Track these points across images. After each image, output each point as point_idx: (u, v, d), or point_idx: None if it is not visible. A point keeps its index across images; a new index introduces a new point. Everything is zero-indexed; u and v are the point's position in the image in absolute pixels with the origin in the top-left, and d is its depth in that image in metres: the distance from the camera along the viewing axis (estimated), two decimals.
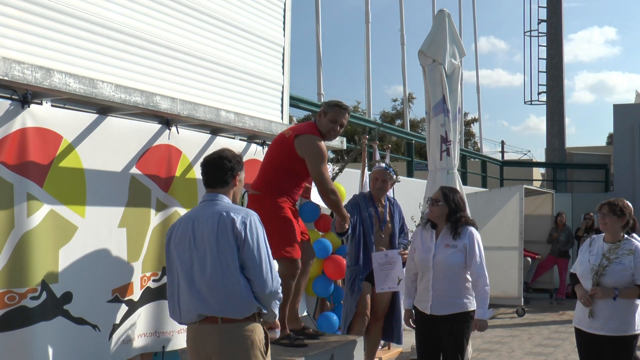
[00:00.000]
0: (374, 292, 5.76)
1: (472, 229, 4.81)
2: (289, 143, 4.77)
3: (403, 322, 5.45)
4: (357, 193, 6.11)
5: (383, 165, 5.99)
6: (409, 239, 5.81)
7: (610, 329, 4.58)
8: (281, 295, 3.60)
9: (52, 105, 4.17)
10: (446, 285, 4.72)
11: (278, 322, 3.81)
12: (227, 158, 3.65)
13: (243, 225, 3.45)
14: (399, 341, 6.06)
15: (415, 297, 4.95)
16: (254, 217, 3.55)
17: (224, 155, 3.66)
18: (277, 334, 3.87)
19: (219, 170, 3.63)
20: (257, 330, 3.48)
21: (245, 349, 3.42)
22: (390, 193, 6.26)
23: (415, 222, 5.57)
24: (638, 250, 4.59)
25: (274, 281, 3.50)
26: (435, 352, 4.83)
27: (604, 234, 4.77)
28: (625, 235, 4.69)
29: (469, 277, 4.77)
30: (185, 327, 4.98)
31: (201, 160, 3.80)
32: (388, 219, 5.87)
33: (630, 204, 4.75)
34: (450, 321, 4.72)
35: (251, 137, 6.01)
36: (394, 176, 5.93)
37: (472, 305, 4.76)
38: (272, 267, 3.53)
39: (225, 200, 3.61)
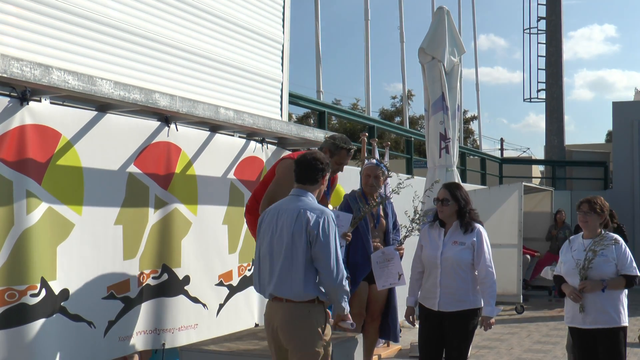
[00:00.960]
0: (371, 291, 5.73)
1: (480, 226, 4.84)
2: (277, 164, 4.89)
3: (403, 318, 5.44)
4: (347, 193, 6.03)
5: (374, 161, 5.94)
6: (402, 235, 5.78)
7: (604, 321, 4.70)
8: (347, 288, 3.97)
9: (50, 103, 4.17)
10: (454, 282, 4.73)
11: (349, 315, 4.12)
12: (320, 160, 4.05)
13: (316, 224, 3.84)
14: (395, 339, 6.05)
15: (420, 294, 4.96)
16: (328, 217, 3.91)
17: (317, 157, 4.06)
18: (349, 325, 4.18)
19: (313, 170, 4.02)
20: (315, 311, 3.92)
21: (304, 325, 3.89)
22: (382, 190, 6.20)
23: (409, 216, 5.50)
24: (619, 240, 4.77)
25: (339, 274, 3.89)
26: (438, 348, 4.84)
27: (582, 232, 4.92)
28: (604, 230, 4.85)
29: (476, 274, 4.79)
30: (184, 325, 5.04)
31: (296, 158, 4.13)
32: (382, 215, 5.83)
33: (607, 202, 4.91)
34: (457, 318, 4.73)
35: (250, 134, 6.00)
36: (386, 171, 5.88)
37: (479, 302, 4.78)
38: (338, 262, 3.91)
39: (310, 197, 4.00)
